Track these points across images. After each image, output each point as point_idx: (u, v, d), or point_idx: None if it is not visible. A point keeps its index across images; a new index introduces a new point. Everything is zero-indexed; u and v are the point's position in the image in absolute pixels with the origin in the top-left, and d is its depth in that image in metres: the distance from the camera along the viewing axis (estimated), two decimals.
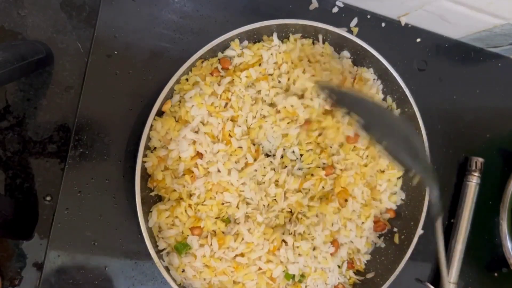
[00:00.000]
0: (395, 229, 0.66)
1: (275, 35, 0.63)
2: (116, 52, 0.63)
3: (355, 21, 0.70)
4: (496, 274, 0.74)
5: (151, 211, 0.58)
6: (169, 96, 0.59)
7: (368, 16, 0.72)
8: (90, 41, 0.62)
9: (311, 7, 0.69)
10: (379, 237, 0.67)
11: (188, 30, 0.65)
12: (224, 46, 0.61)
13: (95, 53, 0.62)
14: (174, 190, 0.58)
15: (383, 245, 0.66)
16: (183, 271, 0.57)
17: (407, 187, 0.67)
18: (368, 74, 0.66)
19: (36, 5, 0.63)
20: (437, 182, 0.51)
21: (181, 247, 0.57)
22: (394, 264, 0.63)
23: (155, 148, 0.59)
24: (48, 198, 0.61)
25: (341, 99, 0.50)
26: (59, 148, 0.62)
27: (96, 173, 0.61)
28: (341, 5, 0.70)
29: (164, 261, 0.57)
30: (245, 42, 0.63)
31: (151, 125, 0.57)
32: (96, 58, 0.62)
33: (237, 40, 0.61)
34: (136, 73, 0.63)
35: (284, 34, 0.64)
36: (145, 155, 0.57)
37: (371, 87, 0.65)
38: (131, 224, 0.60)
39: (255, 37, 0.63)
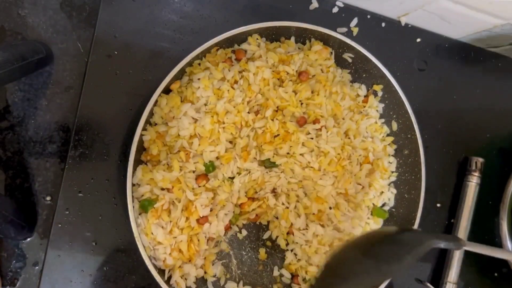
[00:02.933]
0: None
1: (293, 39, 0.65)
2: (116, 52, 0.63)
3: (355, 21, 0.70)
4: (496, 274, 0.74)
5: (137, 169, 0.58)
6: (179, 77, 0.60)
7: (368, 16, 0.72)
8: (90, 41, 0.62)
9: (311, 7, 0.69)
10: None
11: (188, 30, 0.65)
12: (241, 39, 0.63)
13: (95, 53, 0.62)
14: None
15: None
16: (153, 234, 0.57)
17: (402, 186, 0.67)
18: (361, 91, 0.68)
19: (36, 5, 0.63)
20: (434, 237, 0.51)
21: (147, 204, 0.56)
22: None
23: (155, 124, 0.60)
24: (48, 198, 0.61)
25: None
26: (59, 148, 0.62)
27: (96, 173, 0.61)
28: (341, 5, 0.70)
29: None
30: (263, 39, 0.64)
31: (156, 101, 0.57)
32: (96, 58, 0.62)
33: (254, 35, 0.62)
34: (136, 73, 0.63)
35: (301, 38, 0.65)
36: (144, 129, 0.58)
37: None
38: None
39: (273, 37, 0.64)
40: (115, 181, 0.61)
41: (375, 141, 0.66)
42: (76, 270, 0.59)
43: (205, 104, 0.60)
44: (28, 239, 0.60)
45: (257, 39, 0.63)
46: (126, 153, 0.60)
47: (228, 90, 0.60)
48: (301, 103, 0.64)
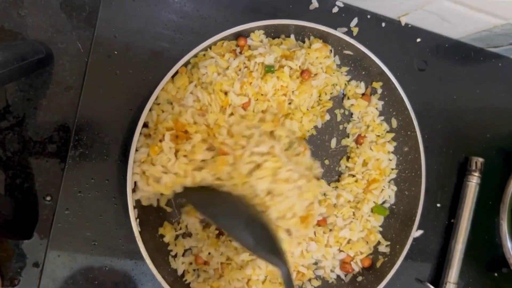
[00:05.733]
0: (380, 256, 0.66)
1: (292, 37, 0.65)
2: (116, 52, 0.63)
3: (355, 21, 0.70)
4: (496, 274, 0.74)
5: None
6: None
7: (368, 16, 0.72)
8: (90, 41, 0.62)
9: (311, 7, 0.69)
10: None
11: (188, 30, 0.65)
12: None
13: (95, 53, 0.62)
14: None
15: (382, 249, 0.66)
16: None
17: (402, 183, 0.67)
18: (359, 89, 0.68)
19: (36, 5, 0.63)
20: (284, 261, 0.50)
21: None
22: (390, 263, 0.63)
23: (159, 104, 0.60)
24: (48, 198, 0.61)
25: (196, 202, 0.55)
26: (59, 148, 0.62)
27: (96, 173, 0.61)
28: (341, 5, 0.70)
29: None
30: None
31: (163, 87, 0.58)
32: (96, 58, 0.62)
33: (257, 32, 0.63)
34: (136, 73, 0.63)
35: (300, 37, 0.65)
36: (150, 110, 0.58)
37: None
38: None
39: (272, 34, 0.65)
40: (115, 181, 0.61)
41: None
42: (76, 270, 0.59)
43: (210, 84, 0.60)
44: (28, 239, 0.60)
45: (259, 36, 0.63)
46: (126, 153, 0.60)
47: (232, 77, 0.61)
48: None
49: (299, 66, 0.63)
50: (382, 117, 0.68)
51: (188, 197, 0.56)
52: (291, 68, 0.63)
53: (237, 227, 0.51)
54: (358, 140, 0.67)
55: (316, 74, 0.64)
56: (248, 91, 0.60)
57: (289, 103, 0.64)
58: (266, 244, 0.50)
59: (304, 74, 0.63)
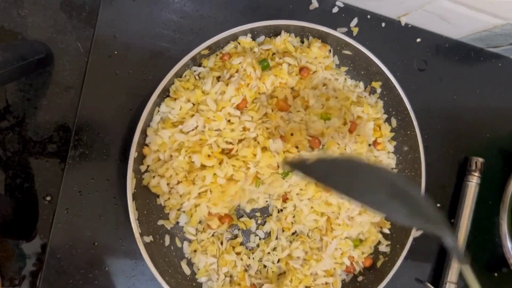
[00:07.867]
0: (380, 256, 0.66)
1: (292, 36, 0.65)
2: (116, 52, 0.63)
3: (355, 21, 0.70)
4: (496, 274, 0.74)
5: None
6: (179, 75, 0.61)
7: (368, 16, 0.72)
8: (90, 41, 0.62)
9: (311, 7, 0.69)
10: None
11: (188, 30, 0.65)
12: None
13: (95, 53, 0.62)
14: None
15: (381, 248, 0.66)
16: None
17: None
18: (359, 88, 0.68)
19: (36, 5, 0.63)
20: (449, 228, 0.42)
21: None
22: (391, 263, 0.63)
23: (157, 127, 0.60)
24: (48, 198, 0.61)
25: (310, 170, 0.44)
26: (59, 148, 0.62)
27: (96, 173, 0.61)
28: (341, 5, 0.70)
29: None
30: (262, 37, 0.65)
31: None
32: (96, 58, 0.62)
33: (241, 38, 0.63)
34: (136, 73, 0.63)
35: (300, 37, 0.66)
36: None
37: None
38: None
39: (271, 36, 0.65)
40: (115, 181, 0.61)
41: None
42: (76, 270, 0.59)
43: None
44: (28, 239, 0.60)
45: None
46: (126, 153, 0.60)
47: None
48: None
49: (297, 63, 0.64)
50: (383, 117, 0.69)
51: (304, 171, 0.45)
52: (289, 64, 0.63)
53: (380, 199, 0.41)
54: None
55: (315, 72, 0.64)
56: (246, 93, 0.60)
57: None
58: (422, 211, 0.41)
59: (303, 71, 0.63)
